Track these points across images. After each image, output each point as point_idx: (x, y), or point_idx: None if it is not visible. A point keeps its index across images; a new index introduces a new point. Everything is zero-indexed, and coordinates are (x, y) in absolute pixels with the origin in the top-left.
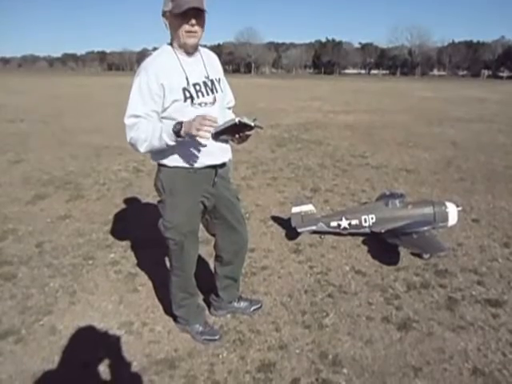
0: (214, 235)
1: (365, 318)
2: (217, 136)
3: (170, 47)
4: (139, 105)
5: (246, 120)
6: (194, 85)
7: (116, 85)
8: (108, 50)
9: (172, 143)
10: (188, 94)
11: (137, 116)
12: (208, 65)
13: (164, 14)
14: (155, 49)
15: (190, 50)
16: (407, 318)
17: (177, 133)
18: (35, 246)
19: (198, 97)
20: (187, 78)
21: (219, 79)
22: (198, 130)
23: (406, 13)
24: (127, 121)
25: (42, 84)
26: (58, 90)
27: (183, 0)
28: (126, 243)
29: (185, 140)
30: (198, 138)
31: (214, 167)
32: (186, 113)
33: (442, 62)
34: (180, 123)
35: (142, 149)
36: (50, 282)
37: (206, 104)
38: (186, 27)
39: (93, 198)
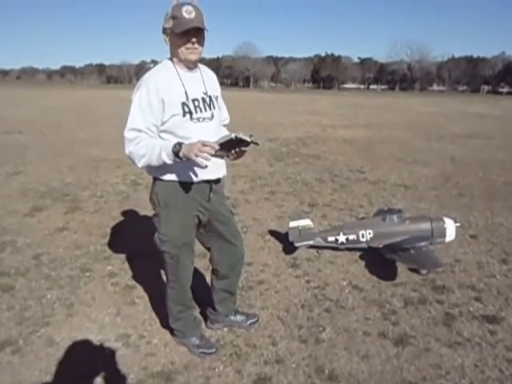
0: (208, 249)
1: (361, 333)
2: None
3: (170, 62)
4: (140, 119)
5: (242, 135)
6: (193, 100)
7: (114, 97)
8: (107, 63)
9: (170, 162)
10: (187, 109)
11: (138, 130)
12: (207, 81)
13: (164, 30)
14: (153, 61)
15: (191, 66)
16: (404, 334)
17: (176, 153)
18: (33, 258)
19: (196, 112)
20: (186, 93)
21: (217, 96)
22: (197, 155)
23: (405, 28)
24: (127, 134)
25: (40, 96)
26: (57, 102)
27: (185, 19)
28: (124, 256)
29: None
30: (197, 160)
31: (209, 182)
32: (185, 127)
33: (441, 77)
34: (180, 144)
35: (140, 164)
36: (48, 294)
37: (204, 119)
38: (187, 45)
39: (90, 210)
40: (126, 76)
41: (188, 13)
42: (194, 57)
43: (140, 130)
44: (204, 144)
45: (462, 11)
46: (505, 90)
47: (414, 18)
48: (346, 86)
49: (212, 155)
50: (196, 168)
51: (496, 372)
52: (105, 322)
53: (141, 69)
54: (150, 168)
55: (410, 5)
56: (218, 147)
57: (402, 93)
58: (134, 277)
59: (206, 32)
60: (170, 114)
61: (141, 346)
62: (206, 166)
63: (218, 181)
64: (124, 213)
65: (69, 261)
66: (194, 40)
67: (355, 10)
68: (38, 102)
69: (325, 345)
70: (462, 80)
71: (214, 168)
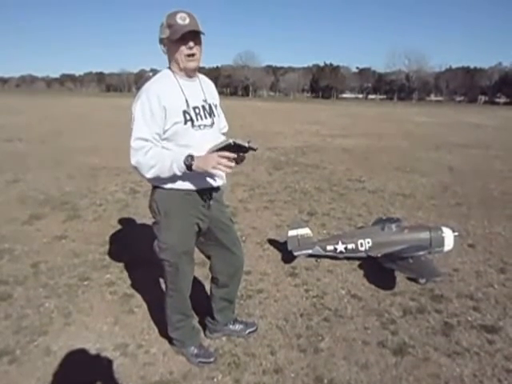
0: (209, 257)
1: (360, 342)
2: None
3: (169, 71)
4: (144, 128)
5: (240, 141)
6: (194, 108)
7: (114, 106)
8: (106, 72)
9: (180, 174)
10: (188, 117)
11: (145, 139)
12: (206, 90)
13: (161, 41)
14: (153, 70)
15: (191, 74)
16: (403, 343)
17: (188, 166)
18: (31, 266)
19: (197, 119)
20: (187, 101)
21: (216, 105)
22: (215, 168)
23: (403, 38)
24: (134, 143)
25: (40, 104)
26: (56, 110)
27: (180, 25)
28: (122, 264)
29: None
30: (214, 172)
31: (209, 190)
32: (187, 135)
33: (439, 87)
34: (191, 156)
35: (149, 175)
36: (46, 303)
37: (205, 126)
38: (185, 51)
39: (89, 218)
40: (126, 84)
41: (182, 19)
42: (193, 64)
43: (146, 140)
44: (220, 156)
45: (459, 22)
46: (501, 100)
47: (412, 29)
48: (344, 95)
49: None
50: (196, 176)
51: (495, 382)
52: (103, 330)
53: (140, 77)
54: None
55: (407, 16)
56: (234, 156)
57: (400, 102)
58: (133, 285)
59: (203, 36)
60: (172, 122)
61: (139, 355)
62: (211, 174)
63: (217, 189)
64: (123, 221)
65: (67, 269)
66: (191, 45)
67: (353, 21)
68: (38, 110)
69: (324, 354)
70: (460, 90)
71: (214, 176)
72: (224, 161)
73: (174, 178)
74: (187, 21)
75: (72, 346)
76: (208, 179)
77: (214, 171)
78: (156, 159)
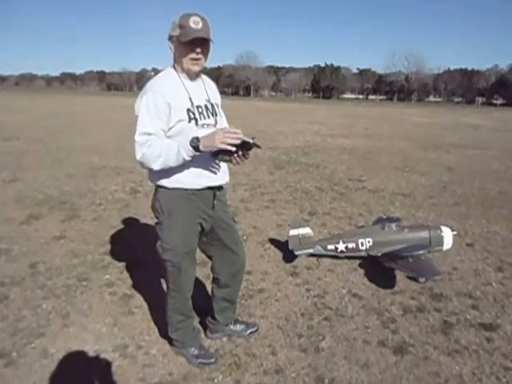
0: (211, 257)
1: (361, 341)
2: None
3: (173, 70)
4: (149, 123)
5: (245, 138)
6: (198, 107)
7: (115, 105)
8: (107, 70)
9: (189, 158)
10: (192, 116)
11: (149, 134)
12: (208, 90)
13: (170, 38)
14: (154, 69)
15: (193, 77)
16: (403, 342)
17: (195, 147)
18: (28, 267)
19: (200, 118)
20: (191, 100)
21: (218, 104)
22: (223, 142)
23: (403, 40)
24: (138, 138)
25: (39, 102)
26: (56, 108)
27: (191, 29)
28: (122, 264)
29: (200, 155)
30: (223, 147)
31: (213, 189)
32: (191, 134)
33: (437, 88)
34: (197, 138)
35: (156, 165)
36: (43, 304)
37: (208, 125)
38: (192, 55)
39: (88, 218)
40: (127, 83)
41: (195, 23)
42: (196, 68)
43: (150, 134)
44: (226, 131)
45: (457, 25)
46: (498, 101)
47: (411, 31)
48: (345, 96)
49: (215, 158)
50: (199, 175)
51: (493, 379)
52: (101, 332)
53: (141, 77)
54: (152, 175)
55: (407, 18)
56: (238, 131)
57: (399, 103)
58: (133, 286)
59: (211, 44)
60: (176, 119)
61: (138, 356)
62: (217, 169)
63: (221, 187)
64: (123, 221)
65: (65, 270)
66: (198, 50)
67: (354, 22)
68: (37, 108)
69: (324, 354)
70: (458, 92)
71: (217, 174)
72: (230, 135)
73: (177, 177)
74: (200, 25)
75: (70, 347)
76: (212, 178)
77: (221, 146)
78: (161, 148)
